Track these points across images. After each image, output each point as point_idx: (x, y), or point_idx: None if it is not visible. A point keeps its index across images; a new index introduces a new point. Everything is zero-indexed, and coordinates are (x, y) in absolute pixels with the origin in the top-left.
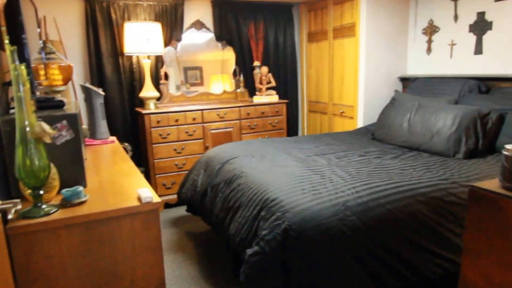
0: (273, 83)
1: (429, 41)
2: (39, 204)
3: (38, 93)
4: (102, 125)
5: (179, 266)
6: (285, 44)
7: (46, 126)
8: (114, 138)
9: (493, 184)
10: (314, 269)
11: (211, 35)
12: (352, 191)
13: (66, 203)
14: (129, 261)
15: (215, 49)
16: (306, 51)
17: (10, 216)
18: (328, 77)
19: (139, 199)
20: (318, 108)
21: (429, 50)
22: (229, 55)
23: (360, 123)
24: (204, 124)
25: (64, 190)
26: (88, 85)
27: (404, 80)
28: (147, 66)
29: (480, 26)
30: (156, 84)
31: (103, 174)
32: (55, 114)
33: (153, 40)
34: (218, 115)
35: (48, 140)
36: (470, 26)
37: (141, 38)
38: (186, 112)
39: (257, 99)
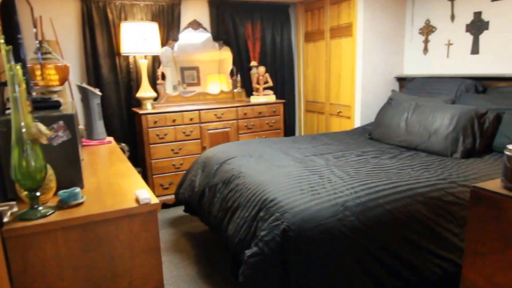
0: (270, 83)
1: (426, 41)
2: (36, 206)
3: (34, 94)
4: (99, 126)
5: (177, 267)
6: (282, 44)
7: (42, 127)
8: (111, 138)
9: (494, 185)
10: (314, 270)
11: (208, 35)
12: (350, 191)
13: (63, 205)
14: (127, 263)
15: (212, 49)
16: (303, 51)
17: (6, 219)
18: (325, 77)
19: (137, 200)
20: (315, 108)
21: (425, 50)
22: (226, 55)
23: (357, 123)
24: (202, 124)
25: (61, 192)
26: (84, 85)
27: (401, 80)
28: (144, 66)
29: (477, 26)
30: (153, 84)
31: (100, 175)
32: (52, 114)
33: (150, 40)
34: (215, 115)
35: (44, 141)
36: (467, 26)
37: (138, 38)
38: (183, 112)
39: (254, 99)
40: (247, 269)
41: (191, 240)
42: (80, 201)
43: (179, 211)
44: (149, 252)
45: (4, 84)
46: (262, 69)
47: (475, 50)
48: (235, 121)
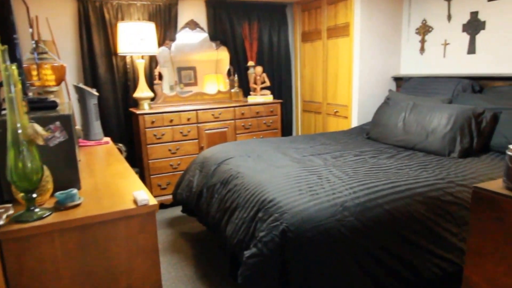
0: (268, 83)
1: (423, 41)
2: (32, 208)
3: (30, 94)
4: (96, 126)
5: (175, 268)
6: (279, 44)
7: (38, 128)
8: (108, 139)
9: (496, 185)
10: (313, 271)
11: (205, 35)
12: (349, 191)
13: (60, 206)
14: (125, 265)
15: (209, 49)
16: (300, 51)
17: (1, 222)
18: (322, 76)
19: (135, 201)
20: (312, 108)
21: (422, 49)
22: (223, 55)
23: (354, 122)
24: (199, 124)
25: (57, 193)
26: (81, 85)
27: (398, 80)
28: (141, 66)
29: (473, 25)
30: (150, 85)
31: (97, 176)
32: (48, 115)
33: (147, 40)
34: (212, 115)
35: (40, 142)
36: (463, 25)
37: (134, 38)
38: (181, 113)
39: (251, 99)
40: (246, 270)
41: (189, 241)
42: (77, 202)
43: (177, 211)
44: (147, 254)
45: (0, 84)
46: (259, 69)
47: (471, 49)
48: (232, 121)
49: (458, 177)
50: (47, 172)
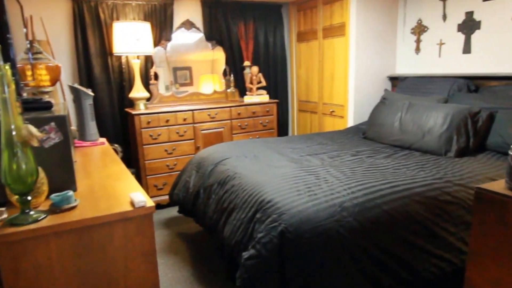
0: (264, 83)
1: (418, 41)
2: (27, 211)
3: (25, 94)
4: (92, 127)
5: (172, 269)
6: (275, 44)
7: (33, 129)
8: (104, 139)
9: (499, 186)
10: (312, 271)
11: (200, 35)
12: (347, 192)
13: (55, 209)
14: (122, 268)
15: (205, 49)
16: (296, 51)
17: None
18: (318, 76)
19: (132, 203)
20: (308, 108)
21: (417, 49)
22: (219, 55)
23: (350, 122)
24: (195, 125)
25: (53, 195)
26: (76, 85)
27: (393, 79)
28: (136, 66)
29: (469, 25)
30: (146, 85)
31: (93, 177)
32: (43, 116)
33: (142, 40)
34: (209, 115)
35: (35, 143)
36: (459, 25)
37: (130, 38)
38: (177, 113)
39: (248, 99)
40: (245, 272)
41: (186, 241)
42: (73, 204)
43: (173, 211)
44: (144, 256)
45: None
46: (255, 69)
47: (467, 49)
48: (228, 121)
49: (456, 177)
50: (42, 174)
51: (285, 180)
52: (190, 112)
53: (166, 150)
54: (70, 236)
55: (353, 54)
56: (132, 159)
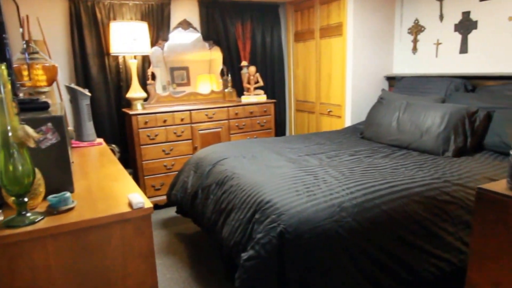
0: (261, 83)
1: (415, 41)
2: (24, 212)
3: (21, 95)
4: (89, 127)
5: (170, 270)
6: (272, 43)
7: (29, 130)
8: (101, 140)
9: (500, 186)
10: (311, 272)
11: (198, 35)
12: (346, 192)
13: (52, 210)
14: (120, 269)
15: (202, 49)
16: (293, 51)
17: None
18: (315, 76)
19: (130, 204)
20: (305, 108)
21: (414, 49)
22: (216, 55)
23: (347, 122)
24: (193, 125)
25: (50, 197)
26: (73, 86)
27: (390, 79)
28: (133, 66)
29: (465, 25)
30: (143, 85)
31: (91, 178)
32: (40, 116)
33: (139, 40)
34: (206, 115)
35: (32, 144)
36: (456, 25)
37: (127, 38)
38: (174, 113)
39: (245, 99)
40: (244, 273)
41: (184, 242)
42: (71, 206)
43: (171, 212)
44: (143, 258)
45: None
46: (252, 69)
47: (463, 49)
48: (226, 121)
49: (454, 176)
50: (39, 175)
51: (284, 180)
52: (188, 112)
53: (163, 151)
54: (68, 238)
55: (350, 54)
56: (129, 159)
